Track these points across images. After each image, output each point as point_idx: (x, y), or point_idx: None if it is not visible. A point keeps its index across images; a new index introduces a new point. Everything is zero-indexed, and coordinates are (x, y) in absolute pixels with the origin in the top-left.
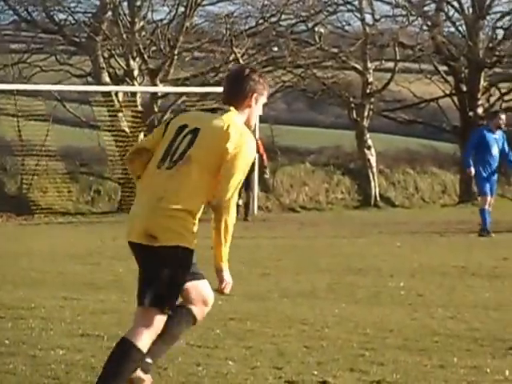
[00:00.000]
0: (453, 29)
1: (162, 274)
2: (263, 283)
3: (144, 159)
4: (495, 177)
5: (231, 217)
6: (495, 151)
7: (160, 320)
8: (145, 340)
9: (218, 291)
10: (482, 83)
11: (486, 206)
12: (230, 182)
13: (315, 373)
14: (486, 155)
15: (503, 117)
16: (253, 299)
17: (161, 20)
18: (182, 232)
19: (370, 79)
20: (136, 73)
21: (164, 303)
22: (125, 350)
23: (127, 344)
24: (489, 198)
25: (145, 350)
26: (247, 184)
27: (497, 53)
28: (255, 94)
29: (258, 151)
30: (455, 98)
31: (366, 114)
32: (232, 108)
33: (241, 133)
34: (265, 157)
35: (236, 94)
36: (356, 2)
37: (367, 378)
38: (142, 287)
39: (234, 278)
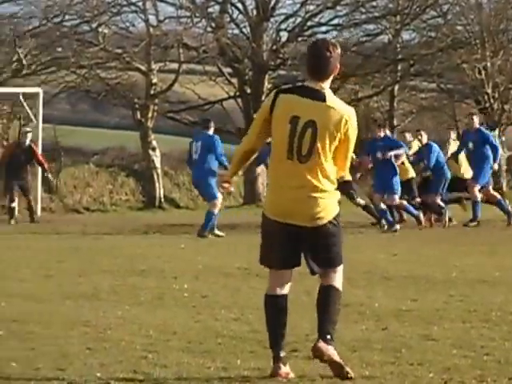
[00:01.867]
0: (237, 31)
1: (331, 241)
2: (46, 285)
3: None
4: None
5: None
6: None
7: (341, 272)
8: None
9: None
10: (266, 85)
11: None
12: (348, 157)
13: (98, 375)
14: None
15: None
16: (35, 301)
17: None
18: (331, 209)
19: (154, 80)
20: None
21: (340, 260)
22: (332, 294)
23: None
24: None
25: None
26: (25, 189)
27: (281, 55)
28: (337, 66)
29: (35, 157)
30: (239, 100)
31: (150, 115)
32: (321, 84)
33: (348, 113)
34: (43, 160)
35: (324, 68)
36: (140, 3)
37: (150, 381)
38: (312, 257)
39: (17, 279)
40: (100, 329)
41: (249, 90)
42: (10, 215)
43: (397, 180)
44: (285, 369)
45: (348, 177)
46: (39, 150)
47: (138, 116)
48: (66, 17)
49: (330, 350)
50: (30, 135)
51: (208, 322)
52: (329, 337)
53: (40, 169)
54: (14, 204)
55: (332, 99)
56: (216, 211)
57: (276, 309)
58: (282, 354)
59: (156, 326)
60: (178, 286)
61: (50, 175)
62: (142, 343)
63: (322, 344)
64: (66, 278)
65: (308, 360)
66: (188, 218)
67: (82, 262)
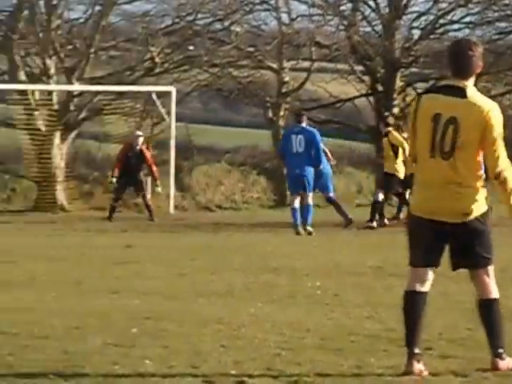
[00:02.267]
0: (369, 28)
1: (476, 239)
2: (179, 283)
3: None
4: None
5: (509, 171)
6: None
7: (492, 271)
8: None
9: None
10: (398, 83)
11: None
12: (498, 152)
13: (232, 372)
14: None
15: None
16: (168, 299)
17: (77, 18)
18: (477, 205)
19: (286, 78)
20: (52, 71)
21: (487, 261)
22: (492, 307)
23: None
24: None
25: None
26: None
27: (413, 53)
28: (480, 65)
29: (145, 160)
30: (371, 98)
31: (281, 113)
32: (464, 82)
33: (489, 107)
34: (154, 168)
35: (467, 67)
36: (272, 2)
37: (284, 378)
38: (458, 255)
39: (150, 277)
40: (233, 326)
41: (380, 88)
42: (110, 213)
43: None
44: (419, 366)
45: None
46: (149, 154)
47: (270, 114)
48: (199, 15)
49: (506, 365)
50: (141, 139)
51: (341, 319)
52: (501, 351)
53: (172, 168)
54: (117, 204)
55: (474, 95)
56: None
57: (414, 305)
58: (417, 351)
59: (289, 323)
60: (310, 284)
61: (157, 182)
62: (275, 341)
63: (495, 360)
64: (199, 275)
65: (441, 359)
66: (319, 215)
67: (214, 259)
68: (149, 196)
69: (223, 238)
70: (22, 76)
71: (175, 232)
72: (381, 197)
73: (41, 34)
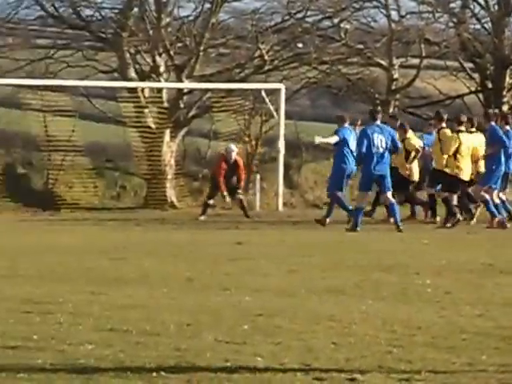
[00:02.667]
0: (478, 26)
1: None
2: (290, 280)
3: None
4: None
5: None
6: None
7: None
8: None
9: None
10: (508, 80)
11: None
12: None
13: (344, 370)
14: None
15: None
16: (280, 295)
17: (187, 16)
18: None
19: (395, 76)
20: (162, 69)
21: None
22: None
23: None
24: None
25: None
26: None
27: None
28: None
29: (239, 170)
30: (480, 95)
31: (391, 110)
32: None
33: None
34: (242, 176)
35: None
36: None
37: (395, 376)
38: None
39: (261, 274)
40: (345, 323)
41: (490, 85)
42: (202, 211)
43: None
44: None
45: None
46: (242, 163)
47: None
48: (308, 12)
49: None
50: (234, 153)
51: (452, 317)
52: None
53: (281, 165)
54: (211, 201)
55: None
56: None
57: None
58: None
59: (400, 320)
60: (421, 282)
61: (240, 190)
62: (386, 338)
63: None
64: (310, 272)
65: None
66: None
67: (325, 256)
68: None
69: (335, 236)
70: (132, 74)
71: (284, 229)
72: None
73: (151, 32)
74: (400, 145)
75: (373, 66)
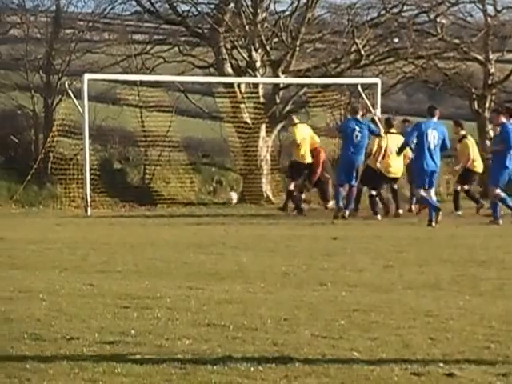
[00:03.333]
0: None
1: None
2: (386, 275)
3: None
4: None
5: None
6: None
7: None
8: None
9: None
10: None
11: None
12: None
13: (441, 365)
14: None
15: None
16: (376, 291)
17: (283, 11)
18: None
19: (492, 70)
20: (258, 64)
21: None
22: None
23: None
24: None
25: None
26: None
27: None
28: None
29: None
30: None
31: (487, 105)
32: None
33: None
34: (319, 170)
35: None
36: None
37: (493, 371)
38: None
39: (357, 269)
40: (442, 319)
41: None
42: (290, 205)
43: None
44: None
45: None
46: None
47: (476, 106)
48: (405, 7)
49: None
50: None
51: None
52: None
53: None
54: (298, 195)
55: None
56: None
57: None
58: None
59: (498, 316)
60: None
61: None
62: (484, 333)
63: None
64: (407, 267)
65: None
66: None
67: (421, 251)
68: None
69: (430, 230)
70: (229, 69)
71: (380, 224)
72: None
73: (247, 27)
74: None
75: (469, 61)
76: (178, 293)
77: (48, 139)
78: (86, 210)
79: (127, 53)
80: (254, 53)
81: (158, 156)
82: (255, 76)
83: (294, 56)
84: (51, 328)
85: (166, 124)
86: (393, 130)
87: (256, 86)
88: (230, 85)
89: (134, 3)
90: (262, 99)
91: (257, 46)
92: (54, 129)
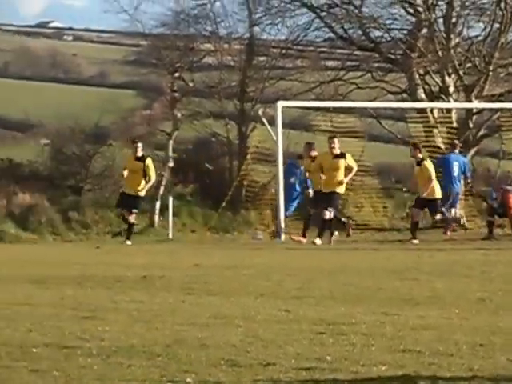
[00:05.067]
0: None
1: None
2: None
3: None
4: None
5: None
6: None
7: None
8: None
9: None
10: None
11: None
12: None
13: None
14: None
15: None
16: None
17: (476, 36)
18: None
19: None
20: (451, 89)
21: None
22: None
23: None
24: None
25: None
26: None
27: None
28: None
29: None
30: None
31: None
32: None
33: None
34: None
35: None
36: None
37: None
38: None
39: None
40: None
41: None
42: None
43: None
44: None
45: None
46: None
47: None
48: None
49: None
50: None
51: None
52: None
53: None
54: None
55: None
56: None
57: None
58: None
59: None
60: None
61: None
62: None
63: None
64: None
65: None
66: None
67: None
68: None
69: None
70: (422, 94)
71: None
72: None
73: (440, 52)
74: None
75: None
76: (373, 319)
77: (242, 166)
78: (280, 236)
79: (320, 79)
80: (447, 78)
81: (351, 181)
82: (448, 101)
83: (487, 81)
84: (247, 354)
85: (359, 150)
86: None
87: (449, 111)
88: (423, 110)
89: (326, 30)
90: (455, 124)
91: (450, 71)
92: (247, 156)
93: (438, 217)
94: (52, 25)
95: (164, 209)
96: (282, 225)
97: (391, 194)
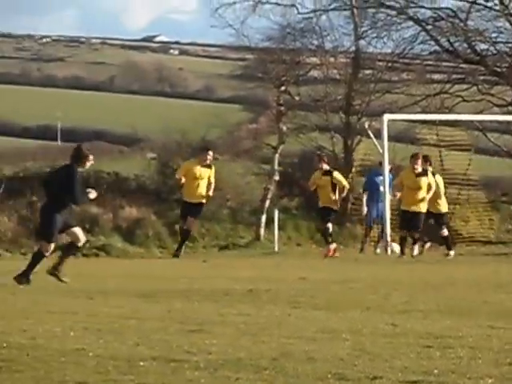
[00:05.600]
0: None
1: None
2: None
3: None
4: None
5: None
6: None
7: None
8: None
9: None
10: None
11: None
12: None
13: None
14: None
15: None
16: None
17: None
18: None
19: None
20: None
21: None
22: None
23: None
24: None
25: None
26: None
27: None
28: None
29: None
30: None
31: None
32: None
33: None
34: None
35: None
36: None
37: None
38: None
39: None
40: None
41: None
42: None
43: None
44: None
45: None
46: None
47: None
48: None
49: None
50: None
51: None
52: None
53: None
54: None
55: None
56: None
57: None
58: None
59: None
60: None
61: None
62: None
63: None
64: None
65: None
66: None
67: None
68: None
69: None
70: None
71: None
72: None
73: None
74: None
75: None
76: (480, 332)
77: (347, 180)
78: (387, 250)
79: (426, 92)
80: None
81: (457, 194)
82: None
83: None
84: (354, 367)
85: (465, 163)
86: None
87: None
88: None
89: (432, 43)
90: None
91: None
92: (353, 169)
93: None
94: (158, 39)
95: (270, 222)
96: (388, 238)
97: (497, 207)
